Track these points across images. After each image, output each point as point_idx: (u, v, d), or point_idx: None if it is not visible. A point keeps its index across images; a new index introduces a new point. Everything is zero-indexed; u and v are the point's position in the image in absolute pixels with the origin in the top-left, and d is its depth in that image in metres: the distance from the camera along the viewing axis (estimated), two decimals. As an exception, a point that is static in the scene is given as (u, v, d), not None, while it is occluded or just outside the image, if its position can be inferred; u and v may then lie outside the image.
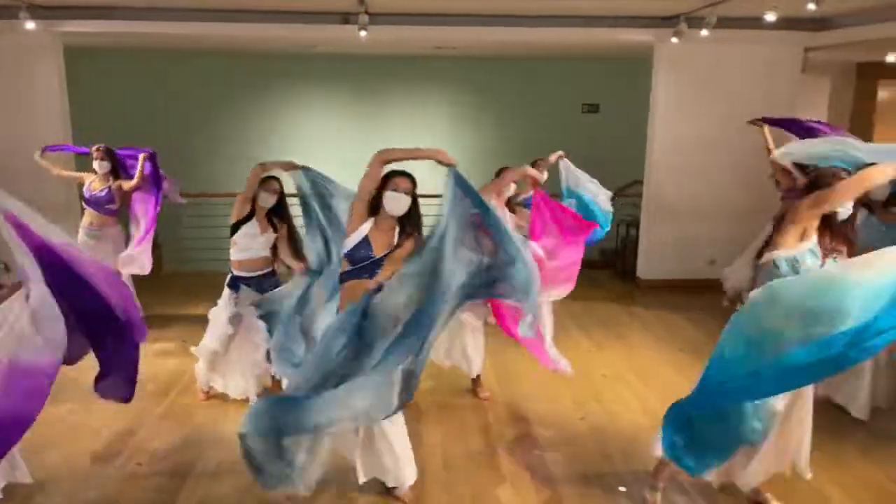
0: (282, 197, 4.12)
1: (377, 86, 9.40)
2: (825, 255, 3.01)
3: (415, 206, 3.04)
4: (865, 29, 6.17)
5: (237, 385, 4.22)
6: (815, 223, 2.92)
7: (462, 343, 4.37)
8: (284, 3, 6.20)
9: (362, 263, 2.96)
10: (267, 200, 4.05)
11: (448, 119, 9.55)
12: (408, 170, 3.06)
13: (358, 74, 9.34)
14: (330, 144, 9.31)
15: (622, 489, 3.42)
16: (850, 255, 3.13)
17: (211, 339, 4.13)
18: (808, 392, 2.98)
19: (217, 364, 4.20)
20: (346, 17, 6.53)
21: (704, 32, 6.00)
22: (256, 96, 9.29)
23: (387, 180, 2.98)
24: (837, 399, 4.19)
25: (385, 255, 2.98)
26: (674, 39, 6.44)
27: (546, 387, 4.71)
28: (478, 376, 4.51)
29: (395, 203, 2.97)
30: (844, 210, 2.94)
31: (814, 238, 2.93)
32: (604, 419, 4.23)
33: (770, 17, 5.04)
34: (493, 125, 9.41)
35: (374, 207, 3.00)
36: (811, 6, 4.42)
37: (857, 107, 9.06)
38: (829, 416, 4.07)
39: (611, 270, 8.27)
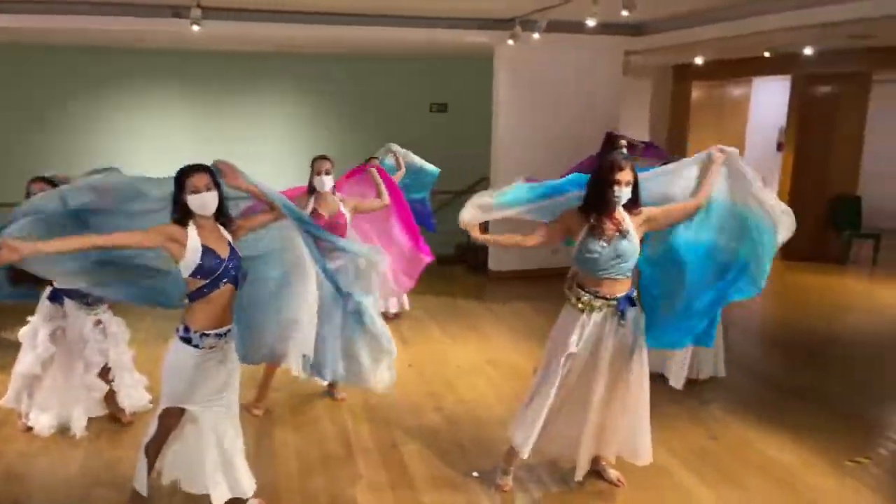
0: None
1: (218, 84, 8.95)
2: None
3: (221, 193, 2.82)
4: (676, 34, 6.84)
5: (49, 418, 3.81)
6: None
7: None
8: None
9: (219, 270, 2.76)
10: None
11: (292, 118, 9.31)
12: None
13: (197, 72, 8.84)
14: (168, 145, 8.76)
15: (475, 475, 3.53)
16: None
17: (26, 362, 3.72)
18: (633, 380, 3.20)
19: (34, 391, 3.79)
20: (177, 11, 6.16)
21: (536, 35, 6.34)
22: (87, 94, 8.50)
23: (182, 183, 2.74)
24: (661, 370, 4.61)
25: (232, 251, 2.84)
26: (510, 41, 6.74)
27: (401, 382, 4.74)
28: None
29: (201, 203, 2.74)
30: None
31: None
32: (459, 409, 4.35)
33: (591, 22, 5.43)
34: (339, 124, 9.30)
35: (185, 215, 2.75)
36: (624, 13, 4.82)
37: (675, 105, 10.03)
38: (659, 386, 4.48)
39: (464, 265, 8.52)
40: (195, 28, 5.87)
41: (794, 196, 8.65)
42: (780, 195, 8.94)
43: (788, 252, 8.53)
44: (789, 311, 6.89)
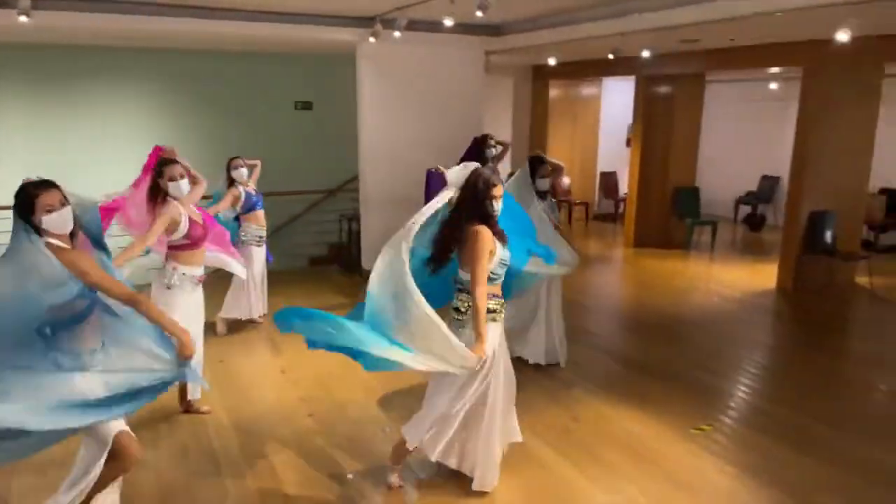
0: None
1: (68, 80, 8.17)
2: None
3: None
4: (530, 35, 7.15)
5: None
6: None
7: None
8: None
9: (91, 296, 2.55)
10: None
11: (151, 115, 8.71)
12: None
13: (43, 67, 8.02)
14: (14, 145, 7.90)
15: (350, 476, 3.51)
16: None
17: None
18: (488, 390, 3.22)
19: None
20: (3, 1, 5.54)
21: (397, 34, 6.37)
22: None
23: (32, 208, 2.49)
24: (520, 353, 4.84)
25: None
26: (371, 39, 6.72)
27: (272, 389, 4.63)
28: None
29: (56, 222, 2.53)
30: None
31: None
32: (332, 411, 4.29)
33: (448, 21, 5.54)
34: (200, 121, 8.83)
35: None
36: (479, 13, 4.96)
37: (535, 103, 10.51)
38: (523, 371, 4.69)
39: (337, 265, 8.41)
40: (23, 19, 5.32)
41: (642, 188, 9.36)
42: (630, 187, 9.66)
43: (639, 239, 9.35)
44: (640, 293, 7.46)
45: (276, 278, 6.55)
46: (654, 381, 4.88)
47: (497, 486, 3.35)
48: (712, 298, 7.09)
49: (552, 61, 8.45)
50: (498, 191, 3.11)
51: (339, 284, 7.66)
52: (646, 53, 6.08)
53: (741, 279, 7.85)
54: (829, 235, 7.12)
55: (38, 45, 7.80)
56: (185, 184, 3.82)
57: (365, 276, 7.92)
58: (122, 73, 8.45)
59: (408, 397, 4.38)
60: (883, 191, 9.32)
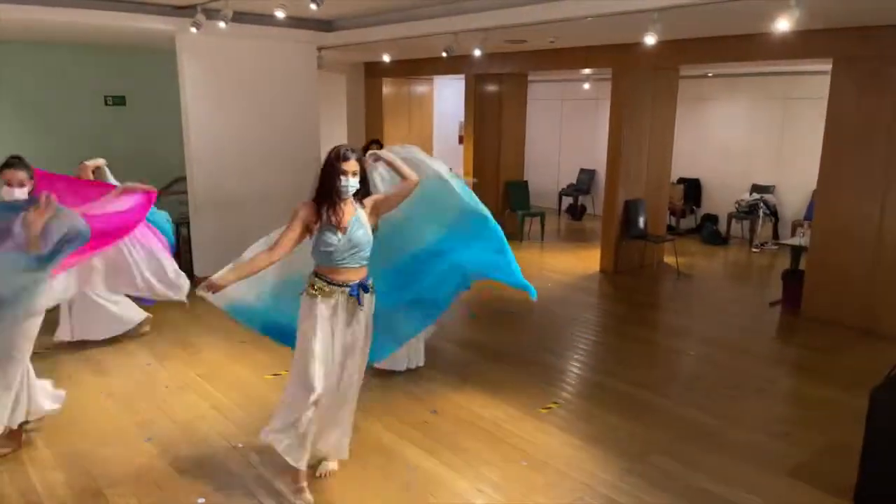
0: None
1: None
2: None
3: None
4: (363, 32, 7.10)
5: None
6: None
7: None
8: None
9: None
10: None
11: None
12: None
13: None
14: None
15: (201, 501, 3.25)
16: None
17: None
18: (359, 367, 3.31)
19: None
20: None
21: (222, 25, 6.00)
22: None
23: None
24: (388, 366, 4.79)
25: None
26: (192, 30, 6.26)
27: (102, 417, 4.15)
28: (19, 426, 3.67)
29: None
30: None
31: None
32: (174, 432, 3.94)
33: (280, 13, 5.32)
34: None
35: None
36: (312, 6, 4.82)
37: (368, 101, 10.48)
38: (392, 380, 4.67)
39: (165, 274, 7.74)
40: None
41: (477, 183, 9.72)
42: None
43: (477, 233, 9.70)
44: (483, 283, 7.73)
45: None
46: (505, 366, 5.09)
47: (363, 489, 3.29)
48: (546, 284, 7.55)
49: (386, 58, 8.46)
50: (350, 166, 3.03)
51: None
52: (477, 52, 6.30)
53: (569, 264, 8.46)
54: (641, 221, 7.90)
55: None
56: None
57: (198, 282, 7.37)
58: None
59: (255, 406, 4.17)
60: (681, 180, 10.54)
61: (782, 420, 4.28)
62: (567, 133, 12.52)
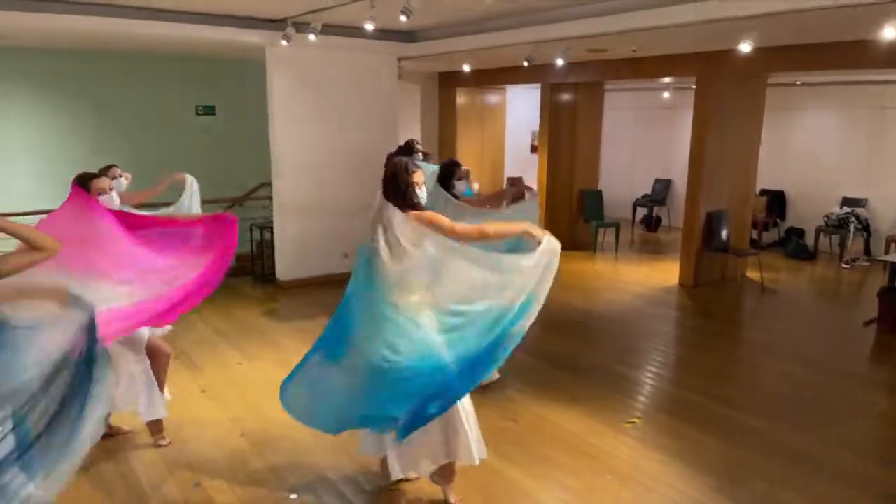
0: None
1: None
2: None
3: None
4: (444, 42, 7.21)
5: None
6: None
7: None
8: None
9: None
10: None
11: (39, 118, 8.01)
12: None
13: None
14: None
15: (293, 497, 3.36)
16: None
17: None
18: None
19: None
20: None
21: (312, 37, 6.23)
22: None
23: None
24: None
25: None
26: (283, 42, 6.53)
27: (201, 411, 4.36)
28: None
29: None
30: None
31: None
32: (265, 430, 4.10)
33: (369, 26, 5.48)
34: (94, 125, 8.23)
35: None
36: (402, 18, 4.94)
37: (442, 110, 10.61)
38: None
39: (250, 276, 8.07)
40: None
41: (550, 192, 9.68)
42: (539, 192, 9.96)
43: (550, 242, 9.63)
44: (556, 293, 7.62)
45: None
46: (581, 377, 5.04)
47: (447, 494, 3.33)
48: (623, 296, 7.43)
49: (466, 68, 8.56)
50: (418, 177, 3.03)
51: (254, 297, 7.35)
52: (559, 62, 6.29)
53: (646, 276, 8.29)
54: (724, 234, 7.67)
55: None
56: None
57: (280, 286, 7.71)
58: (10, 74, 7.72)
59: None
60: (763, 192, 10.16)
61: (883, 445, 4.07)
62: (642, 142, 12.29)
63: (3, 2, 5.42)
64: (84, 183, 3.58)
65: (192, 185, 4.64)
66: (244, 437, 4.00)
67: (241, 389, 4.72)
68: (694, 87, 7.74)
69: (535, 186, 10.56)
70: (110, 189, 3.68)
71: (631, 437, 4.06)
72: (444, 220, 2.93)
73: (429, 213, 2.96)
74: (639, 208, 11.96)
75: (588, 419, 4.28)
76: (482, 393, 4.63)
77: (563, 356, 5.53)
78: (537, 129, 10.36)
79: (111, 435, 3.90)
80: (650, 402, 4.68)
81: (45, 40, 7.29)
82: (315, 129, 7.42)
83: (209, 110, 9.02)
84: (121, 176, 4.51)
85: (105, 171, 4.17)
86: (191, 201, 4.63)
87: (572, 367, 5.27)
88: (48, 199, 7.03)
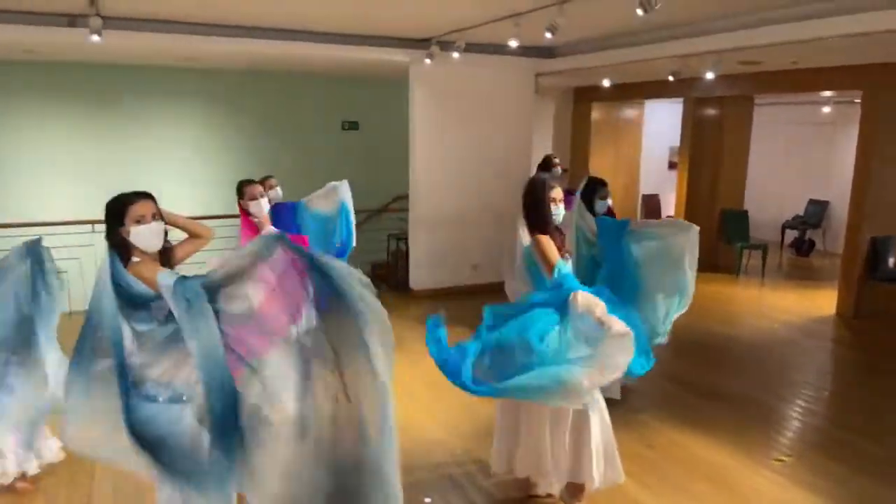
0: None
1: (117, 100, 8.38)
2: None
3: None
4: (585, 57, 7.15)
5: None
6: None
7: None
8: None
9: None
10: None
11: (197, 136, 8.89)
12: None
13: (93, 86, 8.24)
14: (59, 165, 8.09)
15: (427, 500, 3.45)
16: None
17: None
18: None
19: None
20: (73, 20, 5.71)
21: (455, 56, 6.42)
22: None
23: (124, 215, 2.37)
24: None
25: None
26: (427, 61, 6.78)
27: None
28: None
29: (146, 237, 2.40)
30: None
31: None
32: (401, 434, 4.22)
33: (513, 43, 5.56)
34: (246, 142, 9.00)
35: (125, 252, 2.38)
36: (547, 35, 4.96)
37: (576, 126, 10.48)
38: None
39: (384, 284, 8.40)
40: (95, 38, 5.45)
41: (690, 210, 9.24)
42: (677, 211, 9.55)
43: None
44: (694, 317, 7.23)
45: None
46: (722, 406, 4.76)
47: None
48: (770, 324, 6.93)
49: (606, 83, 8.43)
50: (557, 193, 3.05)
51: (388, 304, 7.56)
52: (710, 75, 6.03)
53: (797, 305, 7.67)
54: (892, 261, 6.94)
55: (89, 63, 8.01)
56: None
57: (413, 295, 7.95)
58: (172, 92, 8.64)
59: (475, 421, 4.33)
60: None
61: None
62: (795, 160, 11.41)
63: (182, 26, 6.10)
64: (239, 189, 3.95)
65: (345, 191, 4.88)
66: (380, 438, 4.15)
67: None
68: (858, 101, 7.10)
69: (672, 204, 10.17)
70: (261, 196, 3.97)
71: (776, 472, 3.78)
72: (551, 258, 3.00)
73: (544, 244, 3.02)
74: (788, 231, 11.11)
75: (729, 451, 4.03)
76: (615, 414, 4.51)
77: (702, 383, 5.25)
78: (677, 144, 9.96)
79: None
80: (798, 437, 4.33)
81: (216, 62, 8.07)
82: (452, 144, 7.62)
83: (354, 126, 9.54)
84: (276, 186, 4.92)
85: (263, 181, 4.57)
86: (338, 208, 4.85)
87: (712, 394, 4.99)
88: (208, 204, 7.75)
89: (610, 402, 4.62)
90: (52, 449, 3.49)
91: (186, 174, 8.70)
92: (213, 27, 6.23)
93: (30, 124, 8.05)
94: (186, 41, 6.25)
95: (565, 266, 3.06)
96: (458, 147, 7.65)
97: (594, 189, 4.67)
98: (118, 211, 2.40)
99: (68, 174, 8.13)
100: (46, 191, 7.98)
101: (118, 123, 8.42)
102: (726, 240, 9.30)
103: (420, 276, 7.81)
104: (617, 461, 3.12)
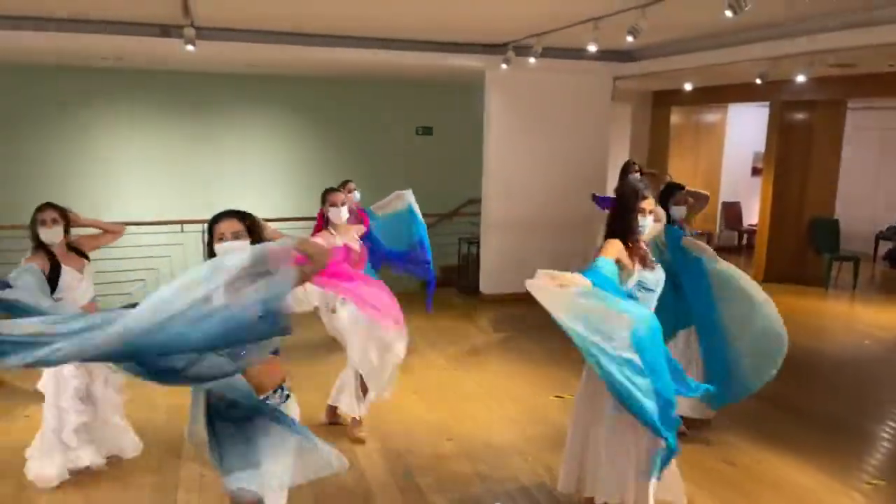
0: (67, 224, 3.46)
1: (203, 106, 8.80)
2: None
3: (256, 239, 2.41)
4: (665, 60, 6.97)
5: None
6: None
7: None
8: (96, 10, 5.58)
9: None
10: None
11: (279, 141, 9.22)
12: None
13: (183, 93, 8.69)
14: (152, 167, 8.56)
15: (498, 504, 3.45)
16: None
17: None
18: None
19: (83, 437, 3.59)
20: (166, 30, 6.04)
21: (532, 60, 6.39)
22: (60, 114, 8.26)
23: (211, 232, 2.40)
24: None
25: None
26: (503, 66, 6.78)
27: (409, 411, 4.65)
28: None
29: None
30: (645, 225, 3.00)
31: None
32: (470, 437, 4.25)
33: (592, 47, 5.48)
34: (325, 146, 9.26)
35: None
36: (629, 38, 4.87)
37: (654, 130, 10.21)
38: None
39: (454, 287, 8.44)
40: (189, 48, 5.75)
41: (775, 219, 8.84)
42: (761, 218, 9.15)
43: (771, 273, 8.79)
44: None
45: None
46: (809, 425, 4.53)
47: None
48: (860, 339, 6.54)
49: (688, 86, 8.19)
50: (648, 204, 2.92)
51: (458, 307, 7.67)
52: (800, 78, 5.76)
53: (892, 320, 7.21)
54: None
55: (173, 71, 8.43)
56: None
57: (483, 299, 7.95)
58: (253, 100, 8.99)
59: (548, 427, 4.30)
60: None
61: None
62: (888, 167, 10.73)
63: (272, 36, 6.34)
64: (323, 196, 4.08)
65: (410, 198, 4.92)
66: (451, 442, 4.18)
67: (445, 394, 4.95)
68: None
69: (755, 211, 9.77)
70: (342, 203, 4.06)
71: (867, 496, 3.56)
72: (601, 254, 2.90)
73: (609, 244, 2.92)
74: (882, 241, 10.45)
75: (815, 471, 3.83)
76: (692, 432, 4.36)
77: (788, 400, 4.99)
78: (761, 150, 9.55)
79: (336, 423, 4.32)
80: (891, 460, 4.06)
81: (300, 69, 8.34)
82: (527, 149, 7.58)
83: (427, 131, 9.65)
84: (354, 190, 5.09)
85: (342, 186, 4.71)
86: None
87: (797, 412, 4.75)
88: (294, 207, 8.01)
89: (699, 422, 4.46)
90: None
91: (271, 179, 9.04)
92: (301, 36, 6.45)
93: (123, 129, 8.55)
94: (279, 51, 6.51)
95: (608, 263, 2.86)
96: (533, 152, 7.61)
97: (670, 193, 4.53)
98: (209, 228, 2.47)
99: (161, 176, 8.58)
100: (144, 192, 8.45)
101: (205, 129, 8.83)
102: (815, 250, 8.83)
103: (490, 280, 7.80)
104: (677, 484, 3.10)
